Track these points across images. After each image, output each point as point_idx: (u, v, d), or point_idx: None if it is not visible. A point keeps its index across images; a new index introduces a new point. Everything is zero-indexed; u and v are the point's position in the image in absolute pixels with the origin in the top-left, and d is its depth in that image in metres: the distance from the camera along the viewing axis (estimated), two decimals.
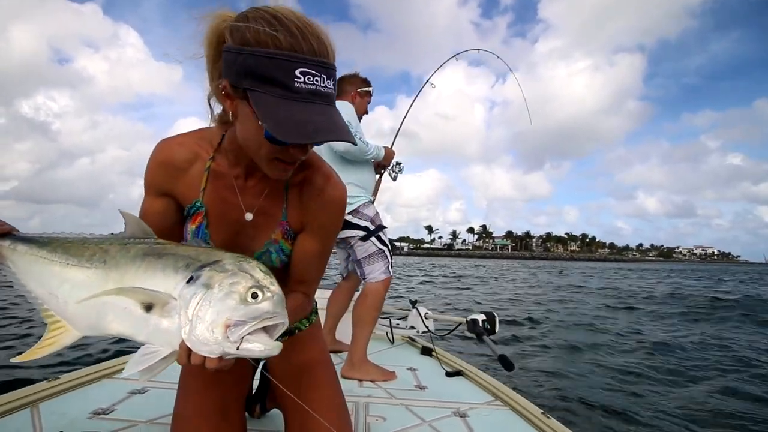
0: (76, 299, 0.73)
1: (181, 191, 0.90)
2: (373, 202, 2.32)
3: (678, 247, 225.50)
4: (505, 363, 2.08)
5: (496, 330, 2.52)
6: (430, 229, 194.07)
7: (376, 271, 2.15)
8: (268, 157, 0.76)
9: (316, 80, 0.68)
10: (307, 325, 1.12)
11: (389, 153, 2.49)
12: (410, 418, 1.50)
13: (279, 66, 0.66)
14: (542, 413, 1.50)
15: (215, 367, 0.65)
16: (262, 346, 0.63)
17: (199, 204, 0.89)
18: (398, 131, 2.96)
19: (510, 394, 1.71)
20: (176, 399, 1.00)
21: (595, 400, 3.32)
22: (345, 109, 2.24)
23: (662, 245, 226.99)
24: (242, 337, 0.63)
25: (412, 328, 2.92)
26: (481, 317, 2.50)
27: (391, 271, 2.20)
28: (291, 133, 0.66)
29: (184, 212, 0.92)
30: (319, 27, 0.72)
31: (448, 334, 2.97)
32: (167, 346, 0.67)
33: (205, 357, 0.64)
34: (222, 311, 0.63)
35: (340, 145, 2.15)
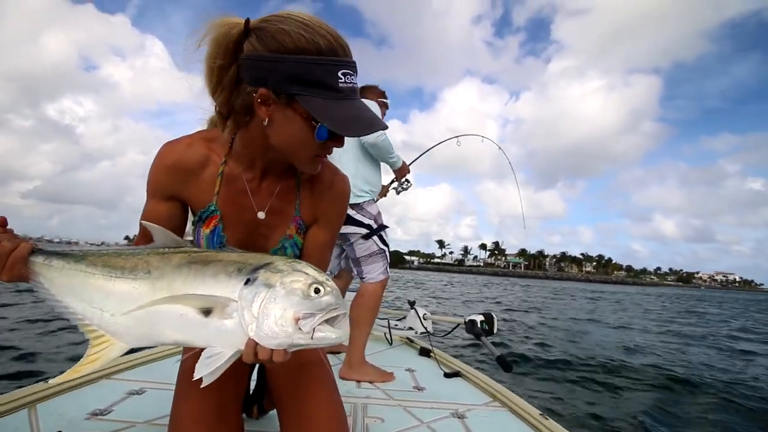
0: (124, 311, 0.72)
1: (193, 195, 0.91)
2: (376, 202, 2.34)
3: (698, 272, 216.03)
4: (504, 364, 2.08)
5: (495, 331, 2.52)
6: (441, 243, 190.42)
7: (375, 271, 2.15)
8: (311, 154, 0.81)
9: (353, 79, 0.76)
10: None
11: (406, 167, 2.52)
12: (408, 419, 1.50)
13: (326, 70, 0.73)
14: (540, 414, 1.51)
15: (282, 359, 0.68)
16: (334, 334, 0.68)
17: (213, 208, 0.90)
18: (420, 155, 3.13)
19: (508, 396, 1.72)
20: (174, 399, 1.00)
21: (594, 402, 3.33)
22: (373, 107, 2.26)
23: (681, 270, 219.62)
24: (314, 328, 0.66)
25: (411, 329, 2.92)
26: (479, 318, 2.50)
27: (388, 271, 2.20)
28: (353, 128, 0.75)
29: (196, 216, 0.93)
30: (335, 29, 0.78)
31: (446, 335, 2.97)
32: (230, 346, 0.69)
33: (272, 350, 0.67)
34: (290, 306, 0.66)
35: (370, 137, 2.17)
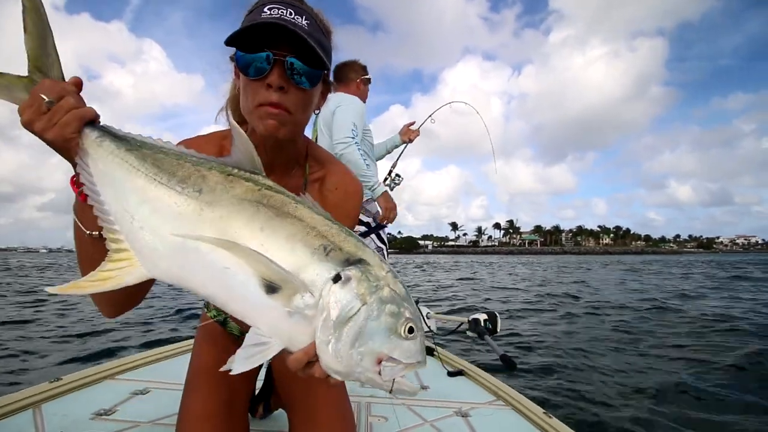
0: (156, 228, 0.59)
1: None
2: (374, 200, 2.35)
3: (718, 237, 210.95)
4: (507, 362, 2.08)
5: (498, 330, 2.52)
6: (454, 226, 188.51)
7: None
8: (253, 104, 0.78)
9: (281, 12, 0.75)
10: None
11: (386, 200, 2.32)
12: (412, 417, 1.50)
13: (255, 13, 0.76)
14: (544, 413, 1.50)
15: (335, 384, 0.60)
16: (411, 390, 0.58)
17: None
18: (392, 173, 2.84)
19: (512, 394, 1.71)
20: (183, 394, 1.01)
21: (598, 400, 3.32)
22: (353, 105, 2.24)
23: (701, 236, 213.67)
24: (394, 379, 0.57)
25: None
26: (482, 317, 2.50)
27: None
28: (241, 31, 0.74)
29: None
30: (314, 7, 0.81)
31: (449, 333, 2.97)
32: (283, 341, 0.57)
33: (328, 373, 0.57)
34: (380, 343, 0.55)
35: (334, 147, 2.16)
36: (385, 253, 2.21)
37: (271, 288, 0.54)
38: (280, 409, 1.37)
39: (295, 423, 1.06)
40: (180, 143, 0.91)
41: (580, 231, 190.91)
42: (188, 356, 1.09)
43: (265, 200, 0.58)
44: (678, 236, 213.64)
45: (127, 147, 0.64)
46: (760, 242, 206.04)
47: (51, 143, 0.63)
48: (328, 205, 0.98)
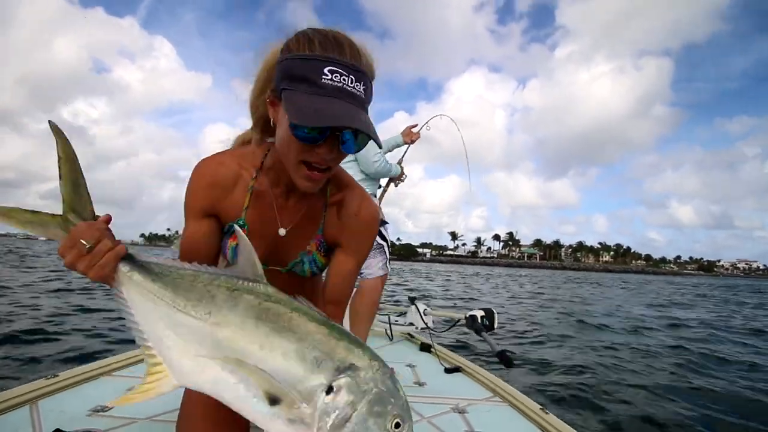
0: (180, 349, 0.70)
1: (224, 210, 0.92)
2: (375, 196, 2.36)
3: (719, 260, 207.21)
4: (505, 359, 2.09)
5: (495, 326, 2.52)
6: (454, 235, 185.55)
7: (374, 266, 2.15)
8: (297, 159, 0.78)
9: (344, 79, 0.72)
10: None
11: (401, 170, 2.65)
12: None
13: (310, 66, 0.72)
14: (541, 409, 1.51)
15: None
16: None
17: (241, 222, 0.92)
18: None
19: (509, 390, 1.72)
20: (183, 399, 1.01)
21: (594, 396, 3.34)
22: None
23: (702, 258, 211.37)
24: None
25: (411, 324, 2.92)
26: (480, 313, 2.51)
27: (388, 267, 2.20)
28: (309, 117, 0.69)
29: (225, 228, 0.94)
30: (360, 42, 0.77)
31: (446, 330, 2.98)
32: None
33: None
34: None
35: (369, 168, 2.33)
36: (386, 250, 2.21)
37: (273, 400, 0.63)
38: None
39: None
40: (199, 166, 0.91)
41: (581, 247, 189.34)
42: None
43: (264, 315, 0.67)
44: (679, 257, 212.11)
45: (152, 277, 0.74)
46: (761, 267, 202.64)
47: (94, 280, 0.72)
48: (346, 230, 0.97)
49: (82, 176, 0.77)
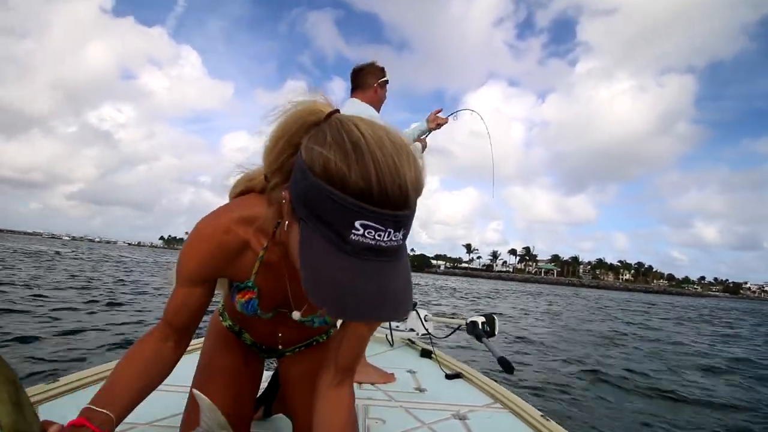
0: None
1: (230, 274, 0.88)
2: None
3: (746, 282, 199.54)
4: (505, 365, 2.08)
5: (496, 332, 2.51)
6: (469, 248, 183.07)
7: None
8: None
9: (379, 235, 0.55)
10: (325, 337, 1.16)
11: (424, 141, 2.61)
12: (410, 420, 1.50)
13: (339, 212, 0.55)
14: (542, 416, 1.50)
15: None
16: None
17: (251, 284, 0.89)
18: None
19: (510, 397, 1.71)
20: (190, 395, 1.02)
21: (595, 403, 3.32)
22: (368, 112, 2.23)
23: (727, 279, 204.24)
24: None
25: (412, 330, 2.92)
26: (480, 319, 2.50)
27: None
28: (326, 302, 0.56)
29: (233, 286, 0.91)
30: (406, 161, 0.57)
31: (447, 336, 2.97)
32: None
33: None
34: None
35: None
36: None
37: None
38: (278, 414, 1.37)
39: (300, 428, 1.09)
40: (201, 232, 0.80)
41: (600, 264, 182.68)
42: (186, 358, 1.10)
43: None
44: (703, 278, 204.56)
45: None
46: None
47: None
48: None
49: (25, 395, 0.65)
